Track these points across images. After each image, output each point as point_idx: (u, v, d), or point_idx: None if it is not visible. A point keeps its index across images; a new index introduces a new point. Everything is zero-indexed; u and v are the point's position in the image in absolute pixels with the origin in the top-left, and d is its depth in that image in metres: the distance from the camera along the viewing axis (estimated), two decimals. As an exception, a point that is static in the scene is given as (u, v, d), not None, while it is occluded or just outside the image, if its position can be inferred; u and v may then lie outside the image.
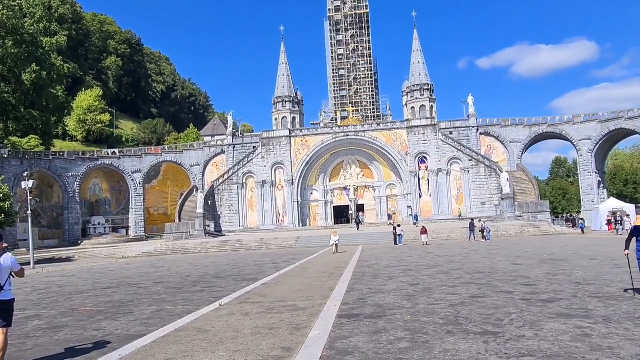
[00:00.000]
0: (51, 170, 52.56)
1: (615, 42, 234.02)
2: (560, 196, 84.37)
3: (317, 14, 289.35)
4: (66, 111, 67.67)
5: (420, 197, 52.60)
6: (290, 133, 55.44)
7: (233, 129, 58.77)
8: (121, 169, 56.68)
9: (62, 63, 61.76)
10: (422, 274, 15.04)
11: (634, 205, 40.84)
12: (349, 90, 75.24)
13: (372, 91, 76.40)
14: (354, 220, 49.61)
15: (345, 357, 6.10)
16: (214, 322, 8.87)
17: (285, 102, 62.68)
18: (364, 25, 75.02)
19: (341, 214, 56.30)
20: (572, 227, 43.15)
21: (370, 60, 76.12)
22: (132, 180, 56.62)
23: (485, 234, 33.71)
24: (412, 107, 59.84)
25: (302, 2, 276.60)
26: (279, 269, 19.03)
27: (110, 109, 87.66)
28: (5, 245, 6.83)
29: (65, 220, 53.60)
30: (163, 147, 63.51)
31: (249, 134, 68.88)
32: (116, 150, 60.10)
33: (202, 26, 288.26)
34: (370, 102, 75.75)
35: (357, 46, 75.09)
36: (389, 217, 52.33)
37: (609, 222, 37.37)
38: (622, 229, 33.53)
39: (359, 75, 75.29)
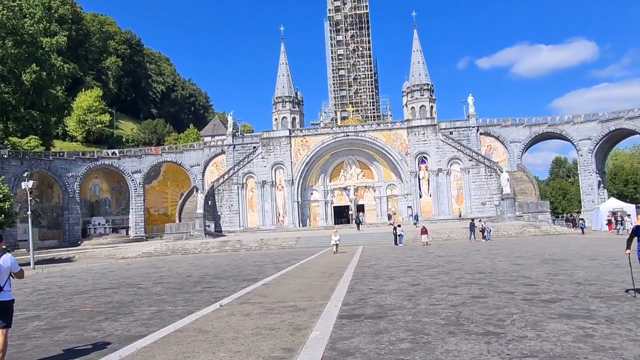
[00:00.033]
0: (51, 171, 52.52)
1: (615, 42, 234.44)
2: (560, 196, 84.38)
3: (317, 14, 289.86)
4: (66, 111, 67.70)
5: (421, 197, 52.58)
6: (290, 133, 55.41)
7: (233, 129, 58.75)
8: (121, 169, 56.66)
9: (62, 63, 61.76)
10: (423, 274, 15.02)
11: (634, 205, 40.81)
12: (349, 90, 75.27)
13: (372, 91, 76.43)
14: (354, 221, 49.57)
15: (346, 358, 6.07)
16: (215, 322, 8.84)
17: (285, 102, 62.68)
18: (363, 25, 75.08)
19: (341, 214, 56.24)
20: (573, 227, 43.16)
21: (370, 60, 76.18)
22: (132, 180, 56.60)
23: (485, 234, 33.70)
24: (412, 107, 59.85)
25: (302, 2, 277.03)
26: (280, 269, 19.01)
27: (110, 109, 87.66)
28: (4, 245, 6.79)
29: (65, 220, 53.56)
30: (163, 147, 63.44)
31: (249, 134, 68.84)
32: (116, 151, 60.07)
33: (202, 26, 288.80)
34: (370, 102, 75.77)
35: (357, 46, 75.11)
36: (389, 217, 52.29)
37: (609, 222, 37.34)
38: (623, 229, 33.56)
39: (359, 75, 75.31)
